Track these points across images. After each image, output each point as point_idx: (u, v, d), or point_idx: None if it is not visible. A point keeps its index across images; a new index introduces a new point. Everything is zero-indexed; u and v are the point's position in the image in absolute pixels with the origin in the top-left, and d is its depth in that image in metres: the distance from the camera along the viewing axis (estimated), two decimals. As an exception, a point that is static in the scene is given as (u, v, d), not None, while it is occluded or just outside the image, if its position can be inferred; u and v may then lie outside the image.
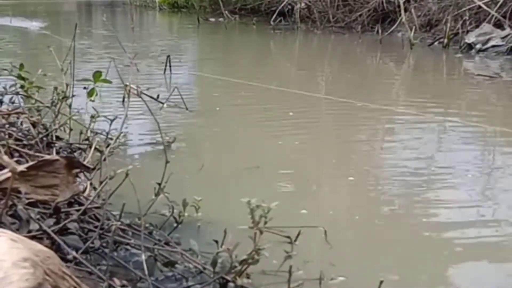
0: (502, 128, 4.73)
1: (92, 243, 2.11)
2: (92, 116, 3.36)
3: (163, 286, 1.97)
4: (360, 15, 13.11)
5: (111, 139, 3.28)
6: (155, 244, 2.18)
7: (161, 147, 3.53)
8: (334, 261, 2.31)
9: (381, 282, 1.87)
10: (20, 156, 2.79)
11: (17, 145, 2.91)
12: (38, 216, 2.06)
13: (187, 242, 2.17)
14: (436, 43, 10.55)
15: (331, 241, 2.48)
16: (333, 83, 7.33)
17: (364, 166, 3.66)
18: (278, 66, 8.93)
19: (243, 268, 1.96)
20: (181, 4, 20.57)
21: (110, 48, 8.78)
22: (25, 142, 3.04)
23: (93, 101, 3.36)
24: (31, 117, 3.36)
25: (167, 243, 2.22)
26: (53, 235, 1.99)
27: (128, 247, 2.22)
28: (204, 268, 2.06)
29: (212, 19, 16.60)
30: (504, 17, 10.00)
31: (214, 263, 1.97)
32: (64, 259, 1.87)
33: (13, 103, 3.65)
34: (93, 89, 3.34)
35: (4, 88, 3.65)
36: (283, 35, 13.18)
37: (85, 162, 2.67)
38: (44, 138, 3.19)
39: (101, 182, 2.49)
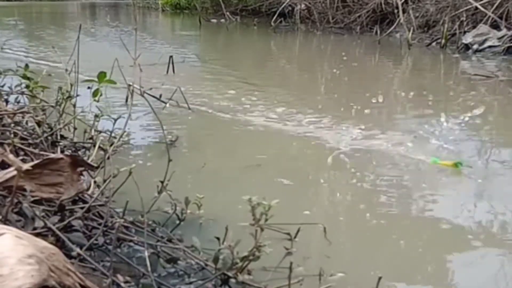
0: (500, 127, 4.77)
1: (96, 240, 2.14)
2: (96, 116, 3.39)
3: (165, 282, 2.00)
4: (359, 16, 13.16)
5: (115, 138, 3.31)
6: (158, 241, 2.21)
7: (164, 145, 3.56)
8: (333, 257, 2.34)
9: (380, 278, 1.90)
10: (25, 154, 2.82)
11: (22, 144, 2.93)
12: (43, 214, 2.08)
13: (189, 239, 2.20)
14: (433, 43, 10.59)
15: (330, 238, 2.51)
16: (332, 85, 7.35)
17: (365, 167, 3.69)
18: (278, 68, 8.94)
19: (244, 265, 1.98)
20: (183, 5, 20.65)
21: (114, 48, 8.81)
22: (30, 141, 3.07)
23: (97, 101, 3.38)
24: (36, 116, 3.38)
25: (169, 240, 2.25)
26: (57, 232, 2.01)
27: (131, 244, 2.25)
28: (206, 265, 2.09)
29: (214, 20, 16.64)
30: (501, 18, 10.04)
31: (216, 260, 2.00)
32: (68, 255, 1.89)
33: (18, 102, 3.69)
34: (97, 89, 3.37)
35: (10, 88, 3.69)
36: (283, 36, 13.19)
37: (89, 161, 2.70)
38: (49, 137, 3.21)
39: (105, 180, 2.51)
